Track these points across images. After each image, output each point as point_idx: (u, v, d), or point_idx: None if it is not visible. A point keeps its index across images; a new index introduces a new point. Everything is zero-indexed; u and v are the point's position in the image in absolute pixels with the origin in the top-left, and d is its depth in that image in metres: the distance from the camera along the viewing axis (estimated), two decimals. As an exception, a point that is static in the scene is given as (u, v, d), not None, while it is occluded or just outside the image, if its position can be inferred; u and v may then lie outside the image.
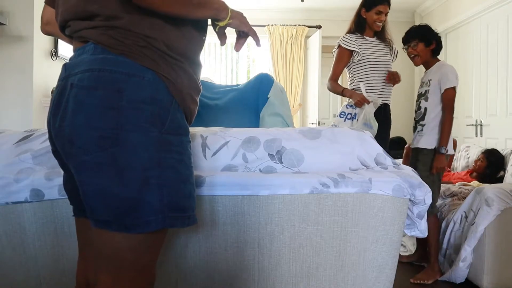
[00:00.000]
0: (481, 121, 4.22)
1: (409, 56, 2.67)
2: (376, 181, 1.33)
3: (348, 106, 2.78)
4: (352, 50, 2.81)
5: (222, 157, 1.39)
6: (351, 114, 2.75)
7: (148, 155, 0.90)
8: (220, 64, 6.32)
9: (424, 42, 2.58)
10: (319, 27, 5.57)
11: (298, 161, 1.39)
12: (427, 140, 2.56)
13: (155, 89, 0.92)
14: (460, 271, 2.43)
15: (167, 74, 0.94)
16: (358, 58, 2.80)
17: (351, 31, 2.88)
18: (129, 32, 0.92)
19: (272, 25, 5.64)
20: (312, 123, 5.54)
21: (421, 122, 2.61)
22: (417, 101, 2.71)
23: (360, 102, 2.68)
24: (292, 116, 3.26)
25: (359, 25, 2.86)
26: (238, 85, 2.49)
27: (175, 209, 0.94)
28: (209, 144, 1.40)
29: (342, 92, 2.82)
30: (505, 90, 3.84)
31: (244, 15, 1.13)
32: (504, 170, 3.17)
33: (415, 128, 2.68)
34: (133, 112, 0.89)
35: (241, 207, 1.30)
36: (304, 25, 5.69)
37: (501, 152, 3.28)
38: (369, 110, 2.67)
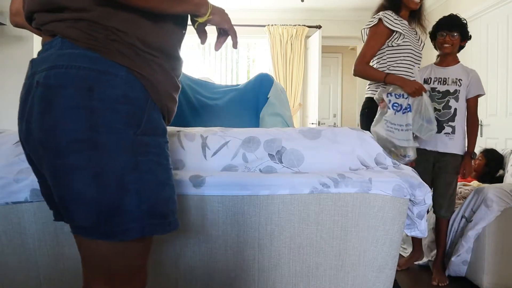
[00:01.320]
0: (481, 121, 4.21)
1: (442, 42, 2.50)
2: (376, 181, 1.33)
3: (398, 96, 2.22)
4: (394, 31, 2.30)
5: (222, 157, 1.39)
6: (402, 105, 2.21)
7: (123, 158, 0.85)
8: (220, 64, 6.32)
9: (462, 36, 2.53)
10: (319, 27, 5.57)
11: (298, 161, 1.39)
12: (460, 145, 2.52)
13: (129, 87, 0.86)
14: (454, 265, 2.44)
15: (141, 71, 0.88)
16: (398, 42, 2.31)
17: (383, 8, 2.38)
18: (100, 25, 0.85)
19: (272, 25, 5.64)
20: (312, 123, 5.54)
21: (450, 123, 2.49)
22: (441, 99, 2.50)
23: (419, 91, 2.21)
24: (292, 116, 3.26)
25: (394, 3, 2.36)
26: (238, 85, 2.49)
27: (155, 215, 0.89)
28: (209, 144, 1.40)
29: (385, 78, 2.26)
30: (505, 90, 3.84)
31: (226, 12, 1.07)
32: (504, 169, 3.18)
33: (439, 127, 2.46)
34: (106, 113, 0.83)
35: (241, 207, 1.30)
36: (304, 25, 5.69)
37: (501, 152, 3.29)
38: (428, 102, 2.24)
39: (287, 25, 5.66)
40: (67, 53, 0.85)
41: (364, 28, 2.42)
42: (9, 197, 1.31)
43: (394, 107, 2.19)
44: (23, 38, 3.53)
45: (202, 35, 1.07)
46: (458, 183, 3.10)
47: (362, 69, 2.34)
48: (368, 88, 2.46)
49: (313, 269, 1.34)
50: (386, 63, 2.36)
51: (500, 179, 3.14)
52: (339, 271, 1.35)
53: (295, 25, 5.68)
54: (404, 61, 2.34)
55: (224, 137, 1.42)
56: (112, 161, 0.84)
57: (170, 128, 1.50)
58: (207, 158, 1.39)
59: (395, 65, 2.34)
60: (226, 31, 1.07)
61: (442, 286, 2.47)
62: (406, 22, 2.38)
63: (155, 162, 0.90)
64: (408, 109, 2.20)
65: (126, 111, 0.85)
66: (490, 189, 2.38)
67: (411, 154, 2.13)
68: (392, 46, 2.34)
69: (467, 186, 2.99)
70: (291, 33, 5.66)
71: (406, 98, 2.21)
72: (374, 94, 2.34)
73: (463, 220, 2.53)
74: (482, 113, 4.23)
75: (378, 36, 2.32)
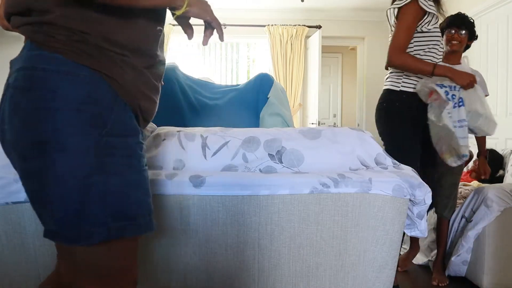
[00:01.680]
0: (481, 121, 4.21)
1: (450, 39, 2.43)
2: (376, 181, 1.33)
3: (452, 88, 1.98)
4: (427, 13, 1.97)
5: (222, 157, 1.39)
6: (455, 98, 1.98)
7: (88, 160, 0.83)
8: (220, 64, 6.32)
9: (469, 35, 2.49)
10: (319, 27, 5.57)
11: (298, 161, 1.39)
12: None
13: (94, 87, 0.85)
14: (455, 265, 2.45)
15: (107, 70, 0.87)
16: (429, 28, 2.00)
17: None
18: (62, 27, 0.85)
19: (272, 25, 5.63)
20: (312, 123, 5.54)
21: None
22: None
23: (472, 83, 1.98)
24: (292, 116, 3.25)
25: None
26: (238, 85, 2.49)
27: (121, 218, 0.87)
28: (209, 144, 1.40)
29: (434, 69, 1.94)
30: (505, 90, 3.84)
31: (209, 3, 1.02)
32: (504, 169, 3.18)
33: None
34: (70, 114, 0.82)
35: (241, 207, 1.30)
36: (304, 25, 5.68)
37: (501, 152, 3.30)
38: (482, 93, 2.03)
39: (287, 25, 5.66)
40: (33, 55, 0.86)
41: (392, 8, 2.06)
42: (9, 197, 1.31)
43: (453, 100, 1.94)
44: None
45: (187, 30, 1.04)
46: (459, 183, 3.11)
47: (401, 60, 1.97)
48: (388, 78, 2.19)
49: (313, 269, 1.34)
50: (412, 51, 2.04)
51: (500, 179, 3.14)
52: (339, 271, 1.35)
53: (295, 25, 5.67)
54: (432, 50, 2.05)
55: (224, 137, 1.42)
56: (75, 164, 0.83)
57: (170, 128, 1.50)
58: (207, 158, 1.39)
59: (422, 53, 2.04)
60: (210, 23, 1.03)
61: (442, 286, 2.47)
62: None
63: (123, 163, 0.88)
64: (461, 103, 1.97)
65: (90, 112, 0.84)
66: (490, 189, 2.38)
67: (467, 153, 1.98)
68: (422, 31, 2.01)
69: (467, 186, 2.99)
70: (291, 33, 5.66)
71: (458, 91, 1.98)
72: (396, 86, 2.11)
73: (463, 220, 2.53)
74: (482, 113, 4.22)
75: (413, 17, 1.95)
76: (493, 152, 3.29)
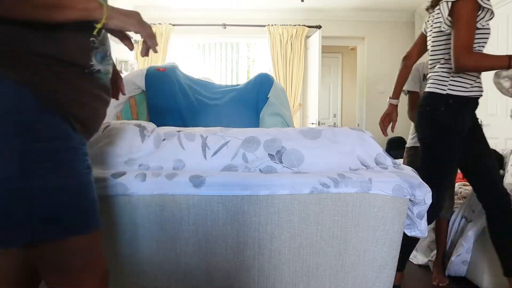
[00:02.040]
0: (481, 121, 4.20)
1: None
2: (376, 181, 1.33)
3: None
4: (482, 8, 1.82)
5: (222, 157, 1.39)
6: None
7: (12, 166, 0.86)
8: (220, 64, 6.32)
9: None
10: (319, 27, 5.57)
11: (298, 161, 1.39)
12: None
13: (18, 96, 0.87)
14: (455, 265, 2.45)
15: (31, 81, 0.89)
16: (483, 24, 1.84)
17: None
18: None
19: (272, 25, 5.63)
20: (312, 123, 5.54)
21: None
22: None
23: None
24: (292, 116, 3.25)
25: None
26: (238, 85, 2.49)
27: (45, 221, 0.90)
28: (209, 144, 1.40)
29: (509, 61, 1.79)
30: (505, 90, 3.84)
31: (139, 12, 1.00)
32: (504, 169, 3.18)
33: None
34: None
35: (241, 207, 1.30)
36: (304, 25, 5.68)
37: (501, 152, 3.29)
38: None
39: (287, 25, 5.66)
40: None
41: (445, 2, 1.86)
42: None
43: None
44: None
45: (124, 41, 1.04)
46: (459, 183, 3.11)
47: (473, 61, 1.79)
48: (431, 78, 2.00)
49: (313, 269, 1.34)
50: None
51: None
52: (339, 271, 1.35)
53: (295, 25, 5.67)
54: (480, 48, 1.90)
55: (224, 137, 1.42)
56: (1, 170, 0.86)
57: (170, 128, 1.50)
58: (207, 158, 1.39)
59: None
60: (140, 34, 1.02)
61: (442, 286, 2.47)
62: None
63: (50, 168, 0.90)
64: None
65: (14, 120, 0.87)
66: (490, 189, 2.38)
67: None
68: (477, 28, 1.83)
69: (467, 186, 2.99)
70: (291, 33, 5.66)
71: None
72: (442, 89, 1.94)
73: (463, 220, 2.53)
74: (482, 113, 4.21)
75: (472, 13, 1.78)
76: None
